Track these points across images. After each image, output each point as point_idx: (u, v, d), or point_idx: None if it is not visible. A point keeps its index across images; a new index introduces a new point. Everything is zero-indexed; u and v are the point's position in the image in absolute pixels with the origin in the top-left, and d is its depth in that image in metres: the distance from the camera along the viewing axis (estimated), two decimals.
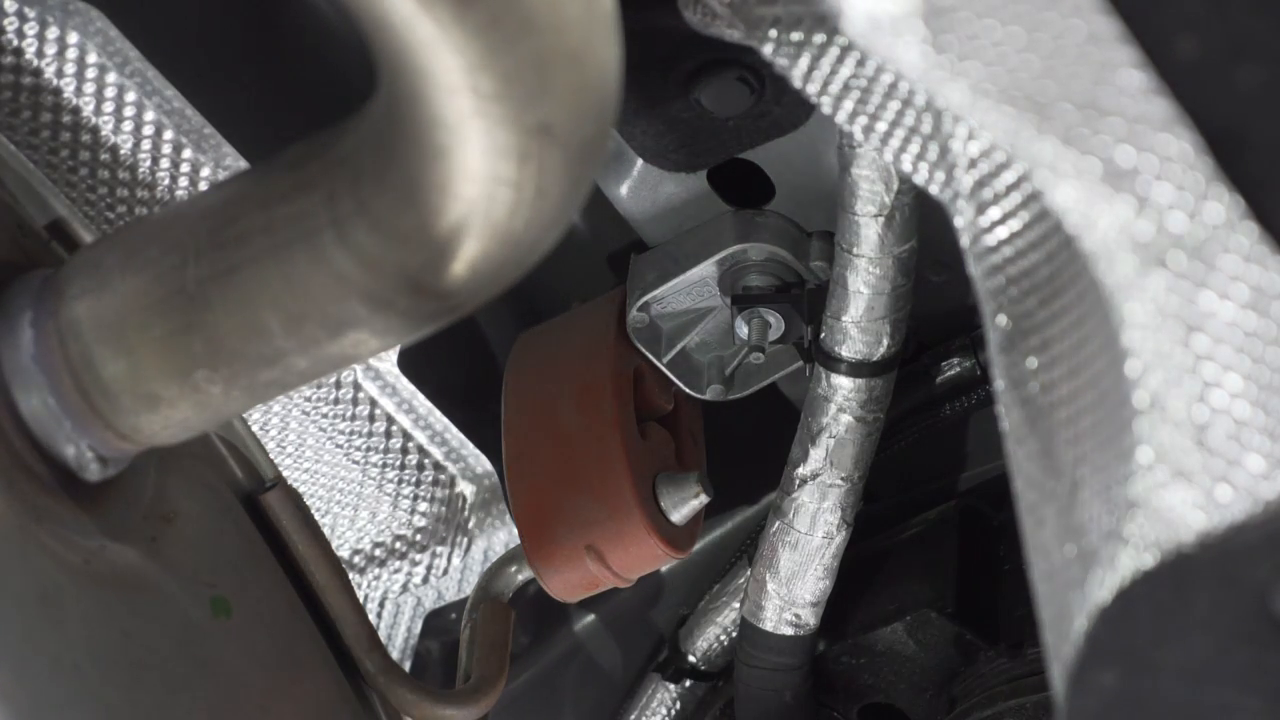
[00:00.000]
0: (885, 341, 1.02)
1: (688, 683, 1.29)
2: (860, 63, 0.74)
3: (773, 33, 0.75)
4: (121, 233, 0.87)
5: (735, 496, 1.30)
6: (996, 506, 1.21)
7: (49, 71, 1.08)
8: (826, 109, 0.77)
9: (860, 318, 1.01)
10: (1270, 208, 0.60)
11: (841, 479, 1.08)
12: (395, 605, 1.36)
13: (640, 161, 1.07)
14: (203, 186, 1.13)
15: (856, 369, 1.03)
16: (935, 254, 1.07)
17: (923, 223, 0.98)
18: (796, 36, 0.75)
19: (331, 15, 1.05)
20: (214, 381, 0.82)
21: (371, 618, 1.31)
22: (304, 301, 0.79)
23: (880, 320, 1.01)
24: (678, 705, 1.30)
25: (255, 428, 1.23)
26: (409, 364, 1.22)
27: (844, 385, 1.04)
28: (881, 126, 0.76)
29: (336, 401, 1.27)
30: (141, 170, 1.13)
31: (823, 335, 1.03)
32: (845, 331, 1.02)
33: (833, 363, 1.04)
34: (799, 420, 1.09)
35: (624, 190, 1.09)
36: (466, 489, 1.32)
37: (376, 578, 1.35)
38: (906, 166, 0.77)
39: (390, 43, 0.67)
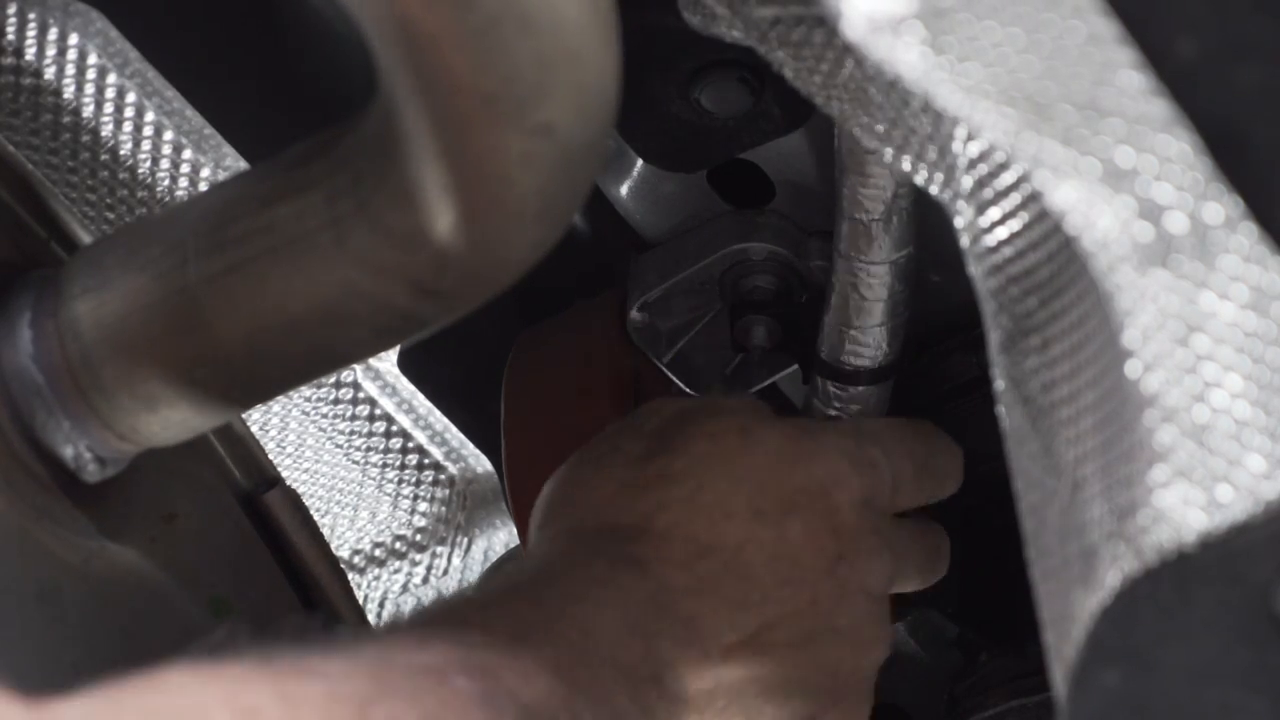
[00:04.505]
0: (884, 348, 1.01)
1: None
2: (860, 63, 0.74)
3: (773, 33, 0.75)
4: (121, 232, 0.87)
5: None
6: (998, 507, 1.20)
7: (49, 72, 1.08)
8: (826, 110, 0.77)
9: (858, 324, 1.00)
10: (1270, 208, 0.60)
11: None
12: (395, 605, 1.36)
13: (640, 161, 1.07)
14: (203, 186, 1.13)
15: (854, 376, 1.02)
16: (935, 254, 1.07)
17: (922, 223, 0.98)
18: (796, 37, 0.75)
19: (331, 15, 1.05)
20: (214, 381, 0.82)
21: (371, 618, 1.31)
22: (303, 301, 0.79)
23: (878, 327, 1.00)
24: None
25: (255, 428, 1.23)
26: (409, 364, 1.22)
27: (842, 393, 1.03)
28: (880, 127, 0.76)
29: (336, 401, 1.27)
30: (141, 170, 1.13)
31: (820, 343, 1.03)
32: (843, 338, 1.01)
33: (831, 370, 1.03)
34: None
35: (624, 190, 1.09)
36: (466, 489, 1.32)
37: (376, 578, 1.35)
38: (906, 166, 0.77)
39: (390, 43, 0.67)
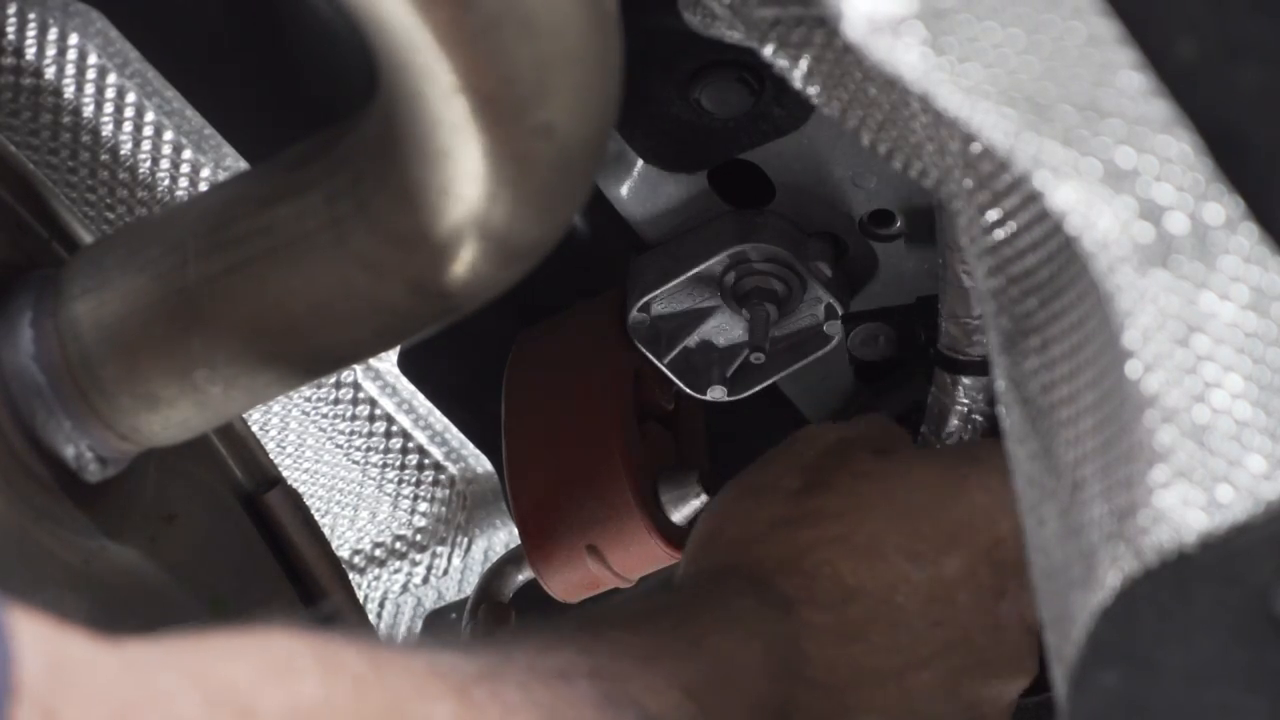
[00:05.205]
0: None
1: None
2: (860, 63, 0.74)
3: (773, 34, 0.75)
4: (121, 233, 0.87)
5: None
6: None
7: (49, 72, 1.08)
8: (826, 110, 0.77)
9: (977, 312, 0.96)
10: (1270, 208, 0.60)
11: None
12: (395, 605, 1.36)
13: (640, 161, 1.07)
14: (203, 186, 1.13)
15: (982, 367, 0.98)
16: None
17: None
18: (797, 38, 0.75)
19: (331, 16, 1.05)
20: (214, 381, 0.82)
21: (371, 618, 1.31)
22: (303, 302, 0.79)
23: None
24: None
25: (255, 428, 1.23)
26: (409, 364, 1.22)
27: (973, 386, 1.00)
28: (879, 127, 0.76)
29: (336, 401, 1.27)
30: (141, 170, 1.13)
31: (940, 338, 1.00)
32: (965, 329, 0.98)
33: (959, 365, 0.99)
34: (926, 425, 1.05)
35: (624, 190, 1.09)
36: (466, 489, 1.32)
37: (376, 578, 1.35)
38: (903, 166, 0.77)
39: (391, 44, 0.67)
